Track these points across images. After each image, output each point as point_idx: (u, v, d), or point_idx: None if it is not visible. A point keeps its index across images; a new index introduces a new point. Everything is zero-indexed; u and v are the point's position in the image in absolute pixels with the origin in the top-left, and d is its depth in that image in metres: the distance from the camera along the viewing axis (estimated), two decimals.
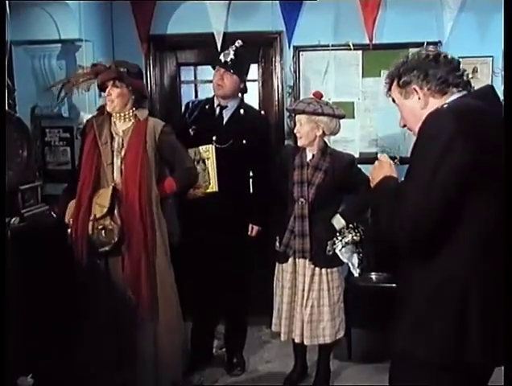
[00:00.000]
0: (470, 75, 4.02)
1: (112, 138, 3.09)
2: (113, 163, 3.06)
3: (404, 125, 1.98)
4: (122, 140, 3.07)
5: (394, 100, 1.97)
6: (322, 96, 3.27)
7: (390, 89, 1.97)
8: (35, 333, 2.90)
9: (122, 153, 3.06)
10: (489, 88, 1.89)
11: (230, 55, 3.45)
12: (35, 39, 3.67)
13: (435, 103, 1.82)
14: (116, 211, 2.97)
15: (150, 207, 3.03)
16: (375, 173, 1.91)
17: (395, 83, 1.92)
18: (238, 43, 3.49)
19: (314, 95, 3.27)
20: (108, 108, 3.07)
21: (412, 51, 1.93)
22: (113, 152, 3.07)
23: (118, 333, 3.04)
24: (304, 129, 3.16)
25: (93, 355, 3.01)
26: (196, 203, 3.37)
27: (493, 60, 3.97)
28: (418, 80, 1.83)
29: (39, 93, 3.83)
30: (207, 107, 3.57)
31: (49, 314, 3.01)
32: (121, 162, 3.05)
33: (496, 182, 1.68)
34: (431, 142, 1.66)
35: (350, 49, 4.07)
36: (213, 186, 3.33)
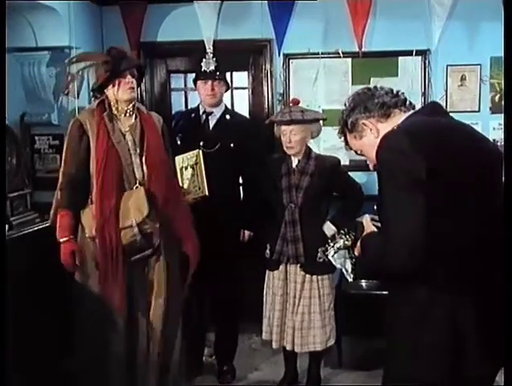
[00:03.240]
0: (459, 83, 4.12)
1: (123, 136, 2.88)
2: (132, 163, 2.86)
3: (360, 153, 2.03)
4: (133, 136, 2.89)
5: (356, 152, 2.02)
6: (299, 103, 3.32)
7: (347, 143, 2.03)
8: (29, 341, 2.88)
9: (138, 150, 2.88)
10: (436, 104, 1.97)
11: (212, 63, 3.46)
12: (24, 46, 3.67)
13: (384, 127, 1.87)
14: (153, 213, 2.79)
15: (177, 200, 2.96)
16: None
17: (347, 132, 1.98)
18: (210, 49, 3.50)
19: (292, 102, 3.33)
20: (126, 97, 2.86)
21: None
22: (129, 150, 2.87)
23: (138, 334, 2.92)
24: (297, 138, 3.18)
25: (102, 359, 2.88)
26: None
27: (480, 68, 4.00)
28: (360, 114, 1.90)
29: (29, 100, 3.83)
30: (193, 115, 3.58)
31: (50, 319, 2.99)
32: (141, 160, 2.87)
33: (465, 193, 1.69)
34: (390, 170, 1.69)
35: (340, 57, 4.09)
36: (203, 191, 3.32)
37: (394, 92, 1.93)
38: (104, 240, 2.76)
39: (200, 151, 3.37)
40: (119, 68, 2.84)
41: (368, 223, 1.91)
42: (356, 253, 2.02)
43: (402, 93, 1.94)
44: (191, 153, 3.36)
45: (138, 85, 3.01)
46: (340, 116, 1.99)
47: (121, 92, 2.86)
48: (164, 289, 2.91)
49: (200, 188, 3.32)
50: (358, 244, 1.95)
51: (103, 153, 2.80)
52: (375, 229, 1.88)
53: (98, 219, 2.76)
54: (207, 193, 3.31)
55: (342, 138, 2.04)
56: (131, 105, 2.92)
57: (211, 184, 3.32)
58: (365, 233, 1.92)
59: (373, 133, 1.89)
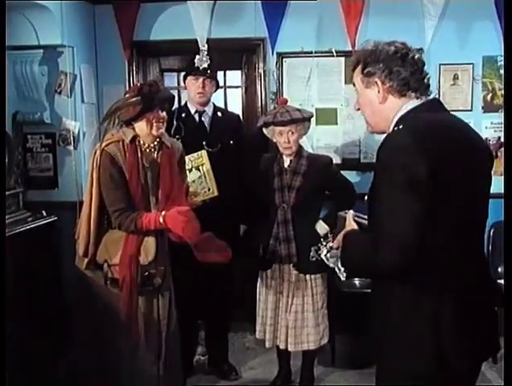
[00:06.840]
0: (451, 82, 4.12)
1: (145, 173, 2.79)
2: (149, 202, 2.81)
3: (358, 109, 1.96)
4: (152, 174, 2.80)
5: (354, 84, 1.94)
6: (287, 102, 3.34)
7: (353, 70, 1.92)
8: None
9: (154, 189, 2.81)
10: (436, 100, 1.91)
11: (205, 60, 3.44)
12: (16, 45, 3.64)
13: (393, 102, 1.81)
14: (159, 258, 2.79)
15: None
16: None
17: (360, 68, 1.87)
18: (204, 47, 3.49)
19: (281, 102, 3.35)
20: (156, 133, 2.76)
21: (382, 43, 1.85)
22: (148, 189, 2.80)
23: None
24: (294, 137, 3.18)
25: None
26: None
27: (473, 67, 4.01)
28: (382, 74, 1.80)
29: (21, 99, 3.81)
30: (183, 115, 3.53)
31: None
32: (156, 201, 2.81)
33: (461, 191, 1.69)
34: (391, 169, 1.66)
35: (333, 56, 4.09)
36: (213, 191, 3.32)
37: (424, 73, 1.84)
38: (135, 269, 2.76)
39: (205, 152, 3.36)
40: (151, 104, 2.71)
41: (350, 220, 1.89)
42: (335, 246, 1.97)
43: (428, 78, 1.86)
44: (195, 154, 3.32)
45: (167, 116, 2.89)
46: (363, 53, 1.86)
47: (150, 128, 2.75)
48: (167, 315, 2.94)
49: (209, 189, 3.32)
50: (339, 237, 1.91)
51: (141, 194, 2.76)
52: (356, 227, 1.86)
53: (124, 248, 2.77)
54: (217, 193, 3.31)
55: (353, 60, 1.92)
56: (157, 140, 2.83)
57: (218, 183, 3.32)
58: (345, 230, 1.88)
59: (378, 96, 1.82)
